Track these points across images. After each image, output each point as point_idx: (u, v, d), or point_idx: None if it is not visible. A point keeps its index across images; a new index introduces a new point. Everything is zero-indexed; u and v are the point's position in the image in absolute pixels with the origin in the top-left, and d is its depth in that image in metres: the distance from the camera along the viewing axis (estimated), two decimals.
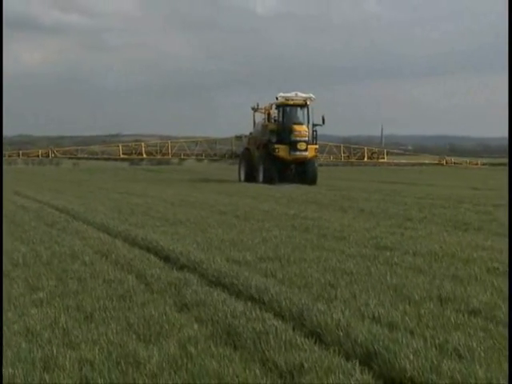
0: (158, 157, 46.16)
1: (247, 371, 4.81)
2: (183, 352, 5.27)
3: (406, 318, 6.07)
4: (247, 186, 31.33)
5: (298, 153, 33.56)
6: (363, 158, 47.11)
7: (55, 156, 46.23)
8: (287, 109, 34.55)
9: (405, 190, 26.75)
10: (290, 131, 33.54)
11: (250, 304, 6.76)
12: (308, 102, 34.45)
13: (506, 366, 4.73)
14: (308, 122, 34.59)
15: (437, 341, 5.38)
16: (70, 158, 50.74)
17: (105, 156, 51.41)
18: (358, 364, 4.90)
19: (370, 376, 4.70)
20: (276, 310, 6.55)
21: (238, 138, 41.09)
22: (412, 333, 5.65)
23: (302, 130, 33.83)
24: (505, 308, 6.33)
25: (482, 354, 5.00)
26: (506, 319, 6.00)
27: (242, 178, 36.44)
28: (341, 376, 4.63)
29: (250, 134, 37.89)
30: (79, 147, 49.33)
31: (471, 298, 6.80)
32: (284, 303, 6.66)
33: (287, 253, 9.90)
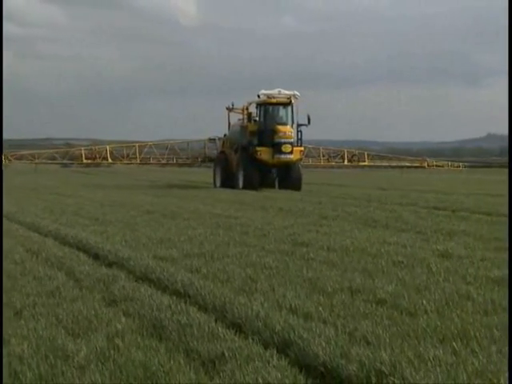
0: (125, 161, 39.06)
1: (172, 361, 4.79)
2: (111, 345, 5.19)
3: (320, 309, 6.15)
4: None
5: (282, 156, 28.38)
6: (343, 161, 41.30)
7: (10, 161, 41.09)
8: (269, 108, 29.24)
9: (321, 191, 27.16)
10: (273, 132, 28.35)
11: (175, 298, 6.73)
12: (292, 100, 29.04)
13: (408, 351, 4.87)
14: (292, 122, 29.27)
15: (347, 329, 5.48)
16: (28, 163, 44.27)
17: (65, 161, 45.34)
18: (275, 352, 4.95)
19: (286, 362, 4.74)
20: (200, 304, 6.54)
21: (212, 140, 35.09)
22: (325, 322, 5.74)
23: (287, 131, 28.64)
24: (408, 297, 6.52)
25: (387, 340, 5.12)
26: (411, 307, 6.18)
27: (218, 183, 30.86)
28: (259, 363, 4.67)
29: (225, 136, 32.44)
30: (35, 151, 44.15)
31: (378, 289, 6.95)
32: (207, 297, 6.66)
33: (211, 249, 9.90)
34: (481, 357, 4.66)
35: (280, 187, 28.57)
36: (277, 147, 28.25)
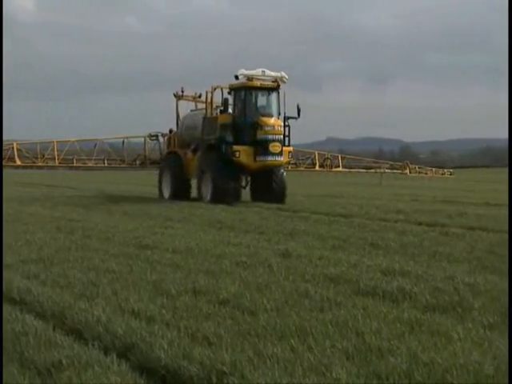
0: (39, 163, 27.40)
1: (4, 372, 4.55)
2: None
3: (163, 311, 6.14)
4: None
5: (269, 158, 21.13)
6: (314, 166, 33.00)
7: None
8: (251, 93, 21.66)
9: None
10: (257, 126, 20.98)
11: (10, 306, 6.40)
12: (280, 84, 21.70)
13: (248, 350, 4.98)
14: (279, 114, 21.76)
15: (190, 330, 5.50)
16: None
17: None
18: (115, 357, 4.86)
19: (127, 367, 4.68)
20: (37, 311, 6.30)
21: (153, 136, 26.98)
22: (168, 324, 5.73)
23: (276, 125, 21.21)
24: (249, 297, 6.66)
25: (229, 340, 5.20)
26: (252, 307, 6.32)
27: (167, 194, 23.64)
28: (98, 369, 4.56)
29: (171, 131, 25.21)
30: None
31: (221, 289, 7.05)
32: (46, 303, 6.44)
33: (51, 254, 9.54)
34: (316, 352, 4.87)
35: (255, 199, 21.84)
36: (261, 146, 21.06)
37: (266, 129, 21.00)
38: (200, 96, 24.79)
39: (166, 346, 4.97)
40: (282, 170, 22.18)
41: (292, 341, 5.17)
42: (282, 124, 21.50)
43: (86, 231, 12.63)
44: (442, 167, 49.13)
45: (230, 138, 21.32)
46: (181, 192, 23.10)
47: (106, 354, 4.96)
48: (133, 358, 4.93)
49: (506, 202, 21.59)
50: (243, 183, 22.56)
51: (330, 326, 5.56)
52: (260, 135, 20.97)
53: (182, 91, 25.05)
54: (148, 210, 17.57)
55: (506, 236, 11.77)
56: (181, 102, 25.13)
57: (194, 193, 23.02)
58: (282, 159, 21.43)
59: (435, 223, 14.14)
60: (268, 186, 21.63)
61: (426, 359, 4.63)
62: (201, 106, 24.58)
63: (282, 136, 21.38)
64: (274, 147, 21.07)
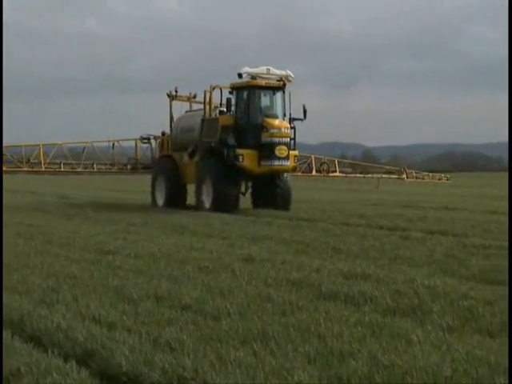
0: (25, 168, 24.95)
1: None
2: None
3: (124, 317, 6.08)
4: None
5: (275, 162, 19.52)
6: (311, 171, 30.18)
7: None
8: (254, 92, 20.04)
9: (129, 198, 26.85)
10: (262, 128, 19.45)
11: None
12: (286, 84, 20.28)
13: (210, 354, 4.96)
14: (284, 115, 20.30)
15: (151, 336, 5.47)
16: None
17: None
18: (75, 364, 4.80)
19: (86, 374, 4.62)
20: None
21: (145, 139, 25.19)
22: (129, 330, 5.68)
23: (282, 127, 19.65)
24: (212, 301, 6.65)
25: (191, 345, 5.18)
26: (215, 311, 6.30)
27: (161, 201, 21.83)
28: (58, 376, 4.49)
29: (163, 133, 23.72)
30: None
31: (184, 294, 7.01)
32: (4, 311, 6.33)
33: (10, 260, 9.38)
34: (278, 356, 4.88)
35: (257, 206, 20.37)
36: (266, 150, 19.42)
37: (272, 131, 19.45)
38: (195, 96, 23.70)
39: (127, 352, 4.93)
40: (286, 176, 20.69)
41: (254, 345, 5.17)
42: (289, 126, 20.00)
43: (46, 236, 12.46)
44: (440, 172, 47.45)
45: (231, 141, 19.67)
46: (176, 199, 21.45)
47: (65, 360, 4.90)
48: (93, 364, 4.88)
49: (462, 205, 22.15)
50: (243, 189, 21.01)
51: (292, 330, 5.58)
52: (265, 138, 19.42)
53: (176, 91, 23.66)
54: (110, 215, 17.40)
55: (464, 240, 12.00)
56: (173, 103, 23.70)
57: (189, 200, 21.73)
58: (289, 164, 19.90)
59: (396, 227, 14.31)
60: (272, 192, 20.23)
61: (386, 362, 4.68)
62: (195, 106, 23.58)
63: (288, 139, 19.82)
64: (281, 151, 19.46)
